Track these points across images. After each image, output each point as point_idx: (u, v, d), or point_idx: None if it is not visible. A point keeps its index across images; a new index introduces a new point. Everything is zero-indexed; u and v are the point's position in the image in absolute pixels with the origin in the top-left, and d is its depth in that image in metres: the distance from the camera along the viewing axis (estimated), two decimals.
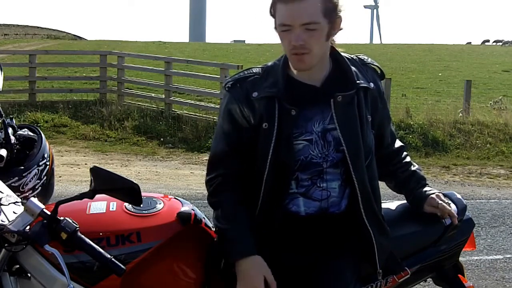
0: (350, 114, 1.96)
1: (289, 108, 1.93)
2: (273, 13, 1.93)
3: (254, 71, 2.02)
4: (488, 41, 53.57)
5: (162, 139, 10.92)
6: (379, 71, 2.10)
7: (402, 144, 2.31)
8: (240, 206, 1.96)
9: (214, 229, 2.06)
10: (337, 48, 2.03)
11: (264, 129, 1.93)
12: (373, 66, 2.09)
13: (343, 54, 2.03)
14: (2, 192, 1.84)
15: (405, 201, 2.43)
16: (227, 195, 1.97)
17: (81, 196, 1.71)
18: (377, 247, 2.00)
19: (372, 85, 2.02)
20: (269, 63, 2.04)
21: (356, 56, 2.09)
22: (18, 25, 40.26)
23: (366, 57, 2.10)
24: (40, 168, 2.29)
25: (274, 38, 2.00)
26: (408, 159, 2.30)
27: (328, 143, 1.96)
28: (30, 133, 2.41)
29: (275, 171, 1.94)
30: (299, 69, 1.95)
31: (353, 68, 2.00)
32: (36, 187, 2.27)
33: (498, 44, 51.37)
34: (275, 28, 1.94)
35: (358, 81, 1.98)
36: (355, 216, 2.00)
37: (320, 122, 1.96)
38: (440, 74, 22.24)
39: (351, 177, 1.97)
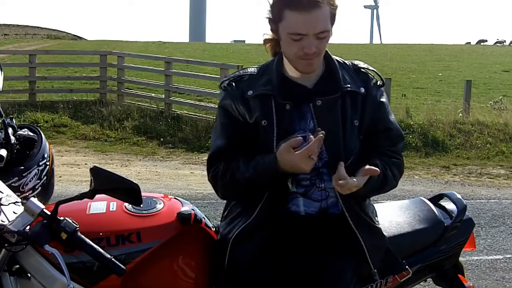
0: (332, 118, 1.96)
1: (283, 103, 1.95)
2: (277, 18, 1.92)
3: (250, 71, 2.05)
4: (483, 41, 53.71)
5: (162, 139, 10.92)
6: (378, 78, 2.07)
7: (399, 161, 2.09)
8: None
9: (214, 229, 2.06)
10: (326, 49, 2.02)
11: (264, 126, 1.94)
12: (368, 72, 2.07)
13: (334, 57, 2.04)
14: (2, 192, 1.84)
15: (405, 201, 2.43)
16: (235, 164, 1.95)
17: (81, 196, 1.71)
18: (368, 249, 1.99)
19: (362, 90, 2.01)
20: (264, 63, 2.07)
21: (350, 62, 2.08)
22: (18, 25, 40.20)
23: (361, 63, 2.09)
24: (40, 168, 2.29)
25: None
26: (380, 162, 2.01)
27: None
28: (30, 133, 2.41)
29: None
30: (306, 72, 1.97)
31: (342, 72, 2.01)
32: (36, 187, 2.27)
33: (484, 43, 51.49)
34: (273, 30, 1.96)
35: (345, 85, 1.98)
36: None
37: (311, 120, 1.97)
38: (440, 74, 22.23)
39: None
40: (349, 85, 1.99)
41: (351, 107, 1.98)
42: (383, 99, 2.07)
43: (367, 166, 1.90)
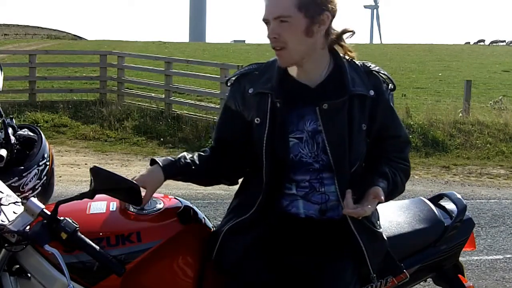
0: (338, 121, 1.92)
1: (276, 101, 1.94)
2: None
3: (254, 67, 2.06)
4: (482, 41, 53.74)
5: (162, 139, 10.91)
6: (390, 81, 2.03)
7: (405, 167, 2.07)
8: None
9: (214, 229, 2.06)
10: (348, 51, 1.99)
11: (257, 123, 1.96)
12: (379, 74, 2.02)
13: (346, 58, 2.00)
14: (2, 192, 1.84)
15: (405, 201, 2.43)
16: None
17: (81, 196, 1.71)
18: (368, 253, 1.98)
19: (372, 92, 1.96)
20: (271, 59, 2.05)
21: (361, 62, 2.03)
22: (18, 25, 40.20)
23: (373, 65, 2.03)
24: (40, 168, 2.30)
25: None
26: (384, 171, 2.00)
27: (317, 144, 1.95)
28: (30, 133, 2.41)
29: (272, 167, 1.95)
30: (280, 64, 1.96)
31: (352, 74, 1.96)
32: (36, 187, 2.27)
33: (483, 43, 51.53)
34: None
35: (353, 88, 1.94)
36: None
37: (311, 122, 1.95)
38: (440, 74, 22.23)
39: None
40: (358, 88, 1.94)
41: (359, 111, 1.94)
42: (392, 104, 2.06)
43: (377, 189, 1.88)
